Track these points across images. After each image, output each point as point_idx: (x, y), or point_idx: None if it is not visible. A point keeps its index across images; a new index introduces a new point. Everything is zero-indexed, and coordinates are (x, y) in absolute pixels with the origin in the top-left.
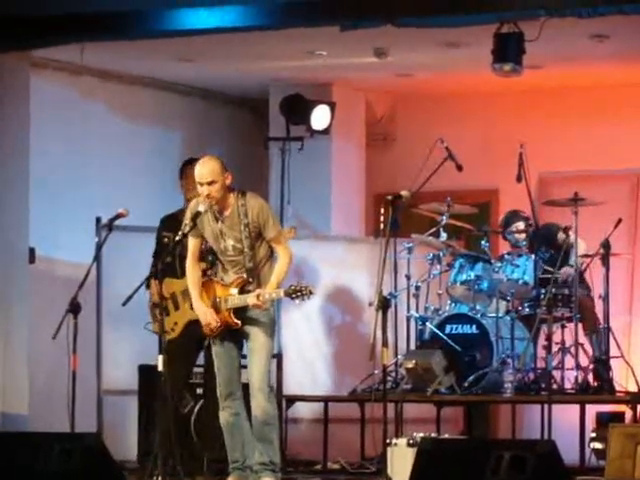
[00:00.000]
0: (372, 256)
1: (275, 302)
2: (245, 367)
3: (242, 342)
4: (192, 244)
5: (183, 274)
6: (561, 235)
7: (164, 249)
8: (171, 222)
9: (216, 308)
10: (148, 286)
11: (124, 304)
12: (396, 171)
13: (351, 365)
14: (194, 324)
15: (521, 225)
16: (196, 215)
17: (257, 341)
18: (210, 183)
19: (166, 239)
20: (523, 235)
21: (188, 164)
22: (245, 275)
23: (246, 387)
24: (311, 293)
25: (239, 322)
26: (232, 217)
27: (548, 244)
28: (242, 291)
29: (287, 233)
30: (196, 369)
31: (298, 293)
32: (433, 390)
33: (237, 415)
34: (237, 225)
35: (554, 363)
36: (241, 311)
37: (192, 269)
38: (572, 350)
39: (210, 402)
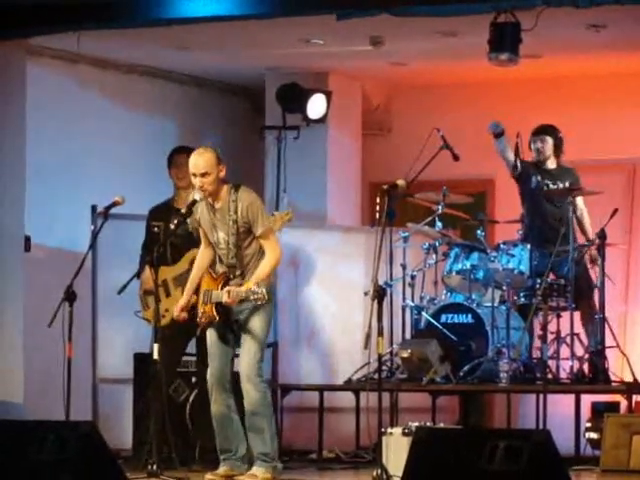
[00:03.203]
0: (368, 245)
1: (273, 293)
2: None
3: (238, 333)
4: (201, 233)
5: (174, 261)
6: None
7: (155, 238)
8: (159, 212)
9: (203, 300)
10: (138, 275)
11: (119, 292)
12: (392, 160)
13: (346, 354)
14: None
15: (549, 140)
16: (192, 203)
17: (249, 330)
18: (203, 175)
19: (156, 228)
20: (548, 151)
21: (176, 153)
22: (227, 270)
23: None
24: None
25: (217, 317)
26: (223, 210)
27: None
28: (224, 287)
29: (284, 215)
30: (191, 358)
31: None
32: (428, 379)
33: (229, 407)
34: (226, 219)
35: (549, 353)
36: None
37: (200, 253)
38: (567, 340)
39: (204, 391)
